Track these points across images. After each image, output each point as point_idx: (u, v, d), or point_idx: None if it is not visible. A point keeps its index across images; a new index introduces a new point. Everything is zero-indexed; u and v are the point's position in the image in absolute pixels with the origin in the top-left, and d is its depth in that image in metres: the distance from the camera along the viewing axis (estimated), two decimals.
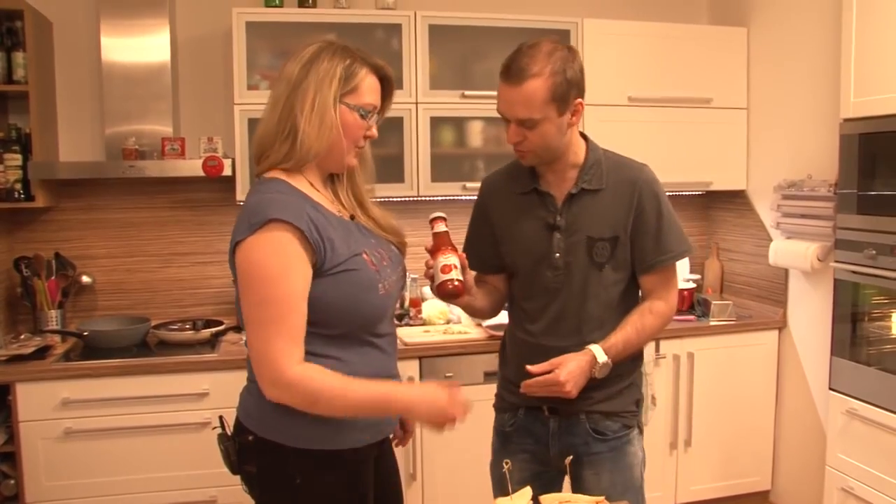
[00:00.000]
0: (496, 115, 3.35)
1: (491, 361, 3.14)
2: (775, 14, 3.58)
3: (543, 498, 1.66)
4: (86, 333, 3.02)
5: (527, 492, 1.64)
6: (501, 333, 3.12)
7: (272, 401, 1.59)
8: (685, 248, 2.04)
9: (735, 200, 3.85)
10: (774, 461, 3.64)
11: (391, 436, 1.89)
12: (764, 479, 3.63)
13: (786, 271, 3.52)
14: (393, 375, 1.78)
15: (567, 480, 2.07)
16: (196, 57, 3.42)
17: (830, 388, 3.02)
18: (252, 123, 3.12)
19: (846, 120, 2.90)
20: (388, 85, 1.76)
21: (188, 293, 3.47)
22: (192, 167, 3.06)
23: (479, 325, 3.32)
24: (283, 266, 1.55)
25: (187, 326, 3.22)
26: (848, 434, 2.94)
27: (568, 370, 1.88)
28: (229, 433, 1.76)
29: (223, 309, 3.45)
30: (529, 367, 1.91)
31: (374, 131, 1.73)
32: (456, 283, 1.86)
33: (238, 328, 3.23)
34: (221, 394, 2.84)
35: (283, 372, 1.54)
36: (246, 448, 1.70)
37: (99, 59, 3.15)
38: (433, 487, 3.16)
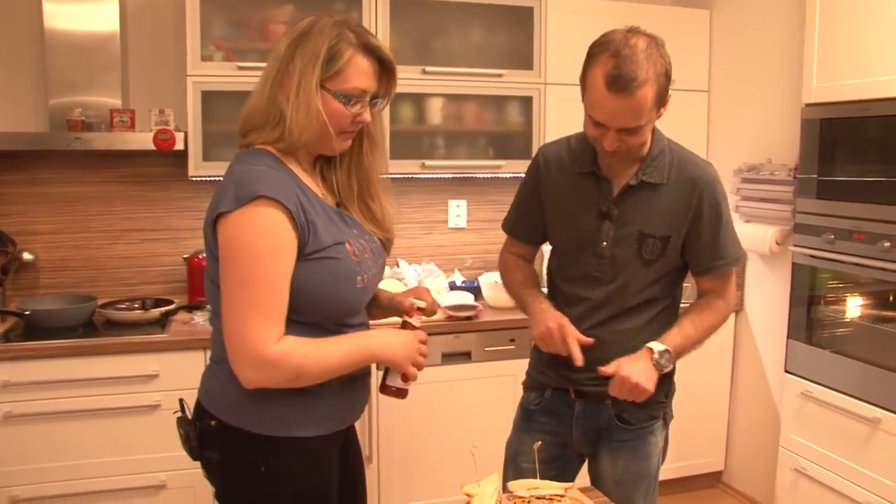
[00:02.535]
0: (457, 91, 3.39)
1: (449, 343, 3.13)
2: None
3: (512, 484, 1.64)
4: (27, 312, 2.88)
5: (493, 479, 1.62)
6: (462, 314, 3.13)
7: (251, 386, 1.52)
8: (740, 255, 2.03)
9: None
10: (728, 442, 3.68)
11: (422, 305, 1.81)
12: (717, 460, 3.68)
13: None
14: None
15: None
16: (146, 26, 3.27)
17: (786, 371, 3.05)
18: (206, 96, 3.01)
19: (808, 105, 2.90)
20: (386, 65, 1.65)
21: (137, 271, 3.34)
22: (142, 140, 2.94)
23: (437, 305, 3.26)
24: (270, 246, 1.49)
25: (136, 305, 3.10)
26: (802, 416, 2.97)
27: (636, 370, 1.83)
28: (189, 417, 1.68)
29: (173, 288, 3.33)
30: (602, 369, 1.85)
31: (367, 116, 1.63)
32: (405, 392, 1.76)
33: (189, 307, 3.13)
34: (172, 375, 2.75)
35: (264, 352, 1.48)
36: (208, 433, 1.63)
37: (41, 26, 2.98)
38: (389, 470, 3.11)
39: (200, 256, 3.18)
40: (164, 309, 3.04)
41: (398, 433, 3.08)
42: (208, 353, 2.75)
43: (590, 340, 1.90)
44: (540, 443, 1.71)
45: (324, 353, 1.55)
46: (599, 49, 1.77)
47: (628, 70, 1.70)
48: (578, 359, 1.86)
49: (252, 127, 1.62)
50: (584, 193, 1.96)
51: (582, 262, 1.97)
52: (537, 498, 1.59)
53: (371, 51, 1.60)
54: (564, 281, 2.04)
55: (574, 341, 1.88)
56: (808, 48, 2.89)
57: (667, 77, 1.77)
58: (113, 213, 3.30)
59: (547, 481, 1.66)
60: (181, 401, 1.72)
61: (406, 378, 1.72)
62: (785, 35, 3.26)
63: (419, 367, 1.71)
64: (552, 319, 1.90)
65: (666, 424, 2.10)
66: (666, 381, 2.05)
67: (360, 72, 1.58)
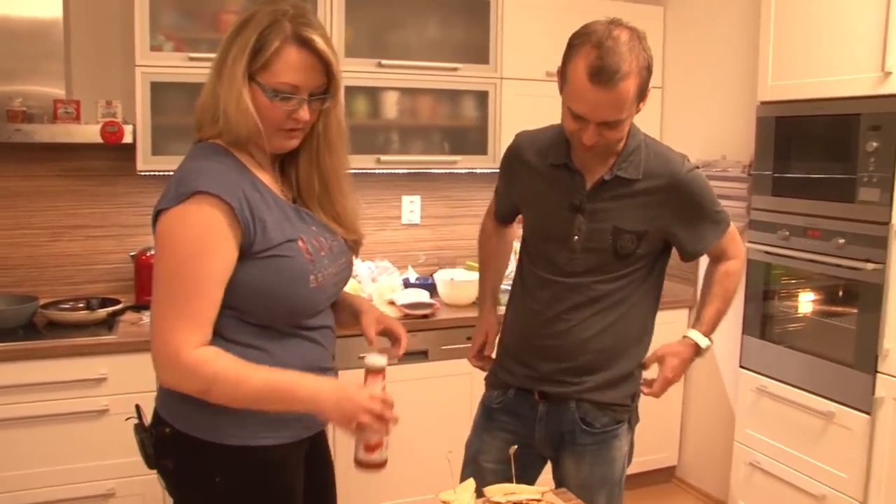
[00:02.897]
0: (412, 85, 3.34)
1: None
2: None
3: (488, 489, 1.61)
4: None
5: (469, 484, 1.58)
6: (418, 313, 3.09)
7: (165, 386, 1.48)
8: (725, 218, 2.03)
9: None
10: (682, 438, 3.71)
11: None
12: (671, 456, 3.71)
13: None
14: (325, 369, 1.64)
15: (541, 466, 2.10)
16: (91, 13, 3.12)
17: (740, 366, 3.09)
18: (155, 87, 2.90)
19: (763, 103, 2.94)
20: (324, 59, 1.50)
21: (81, 269, 3.20)
22: (88, 133, 2.80)
23: (392, 303, 3.22)
24: (201, 244, 1.42)
25: (80, 305, 2.97)
26: (756, 410, 3.01)
27: (673, 368, 1.96)
28: (146, 423, 1.61)
29: (120, 286, 3.20)
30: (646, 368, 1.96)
31: (304, 114, 1.50)
32: (375, 465, 1.60)
33: (137, 307, 3.02)
34: (121, 379, 2.64)
35: (178, 355, 1.40)
36: (163, 441, 1.56)
37: None
38: (348, 471, 3.04)
39: (149, 254, 3.07)
40: (110, 309, 2.92)
41: None
42: None
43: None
44: (516, 447, 1.67)
45: (241, 376, 1.44)
46: (581, 40, 1.73)
47: (611, 62, 1.67)
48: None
49: (204, 120, 1.55)
50: (556, 185, 1.93)
51: (552, 253, 1.94)
52: (514, 503, 1.56)
53: (306, 43, 1.47)
54: (535, 266, 2.00)
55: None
56: (763, 47, 2.92)
57: (648, 71, 1.76)
58: (55, 208, 3.15)
59: (523, 485, 1.63)
60: (137, 407, 1.65)
61: (369, 447, 1.55)
62: (739, 33, 3.30)
63: (361, 425, 1.49)
64: (479, 336, 2.18)
65: (631, 428, 2.08)
66: (631, 383, 2.03)
67: (290, 66, 1.47)
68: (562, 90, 1.80)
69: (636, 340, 2.02)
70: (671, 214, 1.90)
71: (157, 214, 1.46)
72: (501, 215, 2.20)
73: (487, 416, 2.10)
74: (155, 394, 1.61)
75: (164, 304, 1.43)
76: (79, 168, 3.16)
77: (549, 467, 2.11)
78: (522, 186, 2.03)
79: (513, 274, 2.15)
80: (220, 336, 1.48)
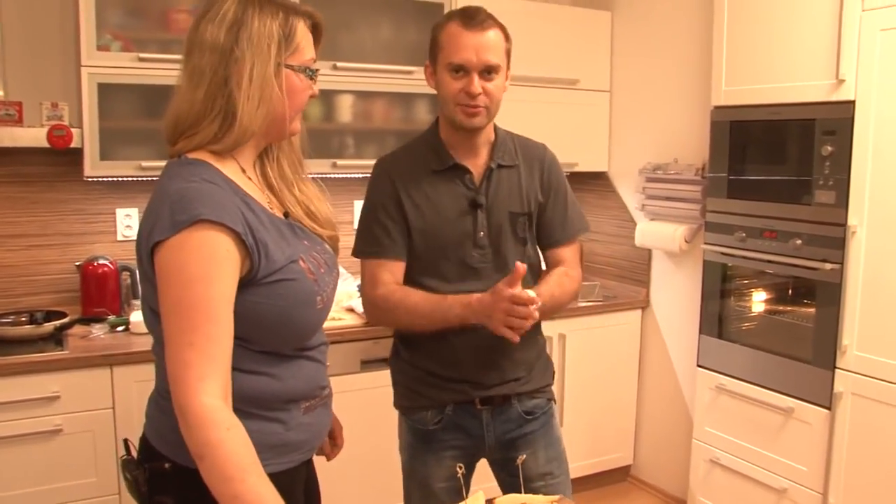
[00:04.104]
0: (367, 88, 3.28)
1: (368, 349, 3.02)
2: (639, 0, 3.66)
3: (499, 500, 1.57)
4: None
5: (479, 497, 1.55)
6: None
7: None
8: (585, 225, 2.12)
9: (597, 182, 3.91)
10: (636, 437, 3.77)
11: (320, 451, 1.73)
12: (626, 455, 3.76)
13: (649, 252, 3.63)
14: (323, 386, 1.58)
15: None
16: (25, 8, 2.95)
17: (698, 365, 3.15)
18: (103, 89, 2.76)
19: (717, 107, 3.01)
20: (318, 32, 1.55)
21: (21, 281, 3.00)
22: (33, 136, 2.65)
23: (352, 310, 3.16)
24: (206, 268, 1.30)
25: (23, 319, 2.79)
26: (715, 408, 3.08)
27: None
28: (136, 458, 1.50)
29: (63, 298, 3.03)
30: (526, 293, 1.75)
31: (316, 88, 1.53)
32: None
33: (86, 320, 2.86)
34: (74, 396, 2.50)
35: (189, 400, 1.26)
36: (160, 476, 1.44)
37: None
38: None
39: (96, 263, 2.91)
40: (57, 322, 2.76)
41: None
42: (114, 370, 2.57)
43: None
44: (462, 468, 1.59)
45: (234, 449, 1.26)
46: (445, 18, 1.93)
47: (478, 11, 1.88)
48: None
49: (182, 132, 1.43)
50: (447, 189, 1.96)
51: (461, 257, 1.95)
52: None
53: (310, 17, 1.51)
54: (443, 281, 1.95)
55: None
56: (716, 52, 2.99)
57: (510, 42, 1.92)
58: None
59: (534, 495, 1.61)
60: (126, 441, 1.53)
61: None
62: (688, 38, 3.37)
63: None
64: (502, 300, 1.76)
65: (555, 403, 2.14)
66: (549, 362, 2.13)
67: (309, 42, 1.49)
68: (437, 59, 1.92)
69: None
70: (546, 194, 2.03)
71: (154, 247, 1.33)
72: (402, 254, 1.97)
73: (424, 438, 2.03)
74: (111, 412, 1.48)
75: (175, 338, 1.30)
76: (17, 174, 2.96)
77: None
78: (414, 201, 1.95)
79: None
80: None
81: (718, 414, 3.07)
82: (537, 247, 2.08)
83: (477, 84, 1.85)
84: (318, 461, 1.71)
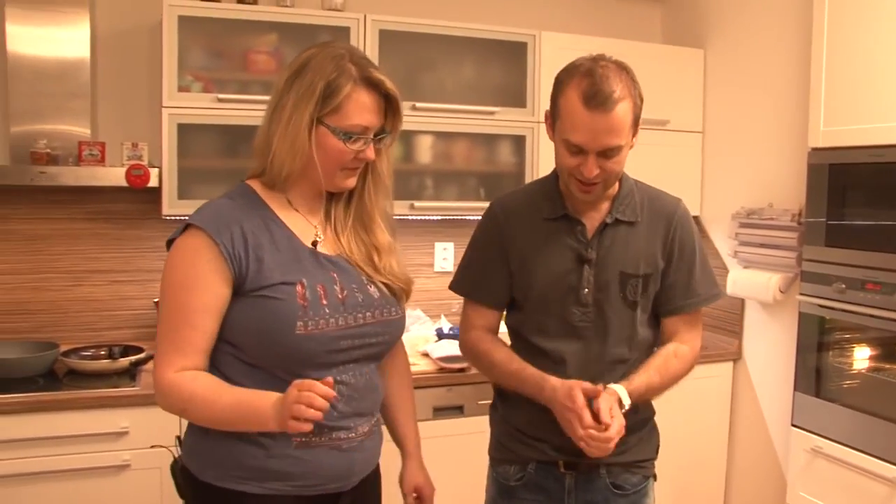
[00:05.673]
0: (447, 129, 3.24)
1: (440, 396, 2.95)
2: (733, 37, 3.50)
3: None
4: None
5: None
6: (454, 366, 2.95)
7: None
8: (716, 292, 1.91)
9: None
10: (726, 497, 3.53)
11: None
12: None
13: (742, 301, 3.42)
14: (334, 428, 1.55)
15: None
16: (118, 53, 3.07)
17: (793, 425, 2.92)
18: (182, 129, 2.82)
19: (815, 149, 2.81)
20: (390, 102, 1.58)
21: (103, 315, 3.09)
22: (113, 176, 2.73)
23: (427, 355, 3.09)
24: (186, 276, 1.47)
25: (102, 353, 2.84)
26: (811, 472, 2.84)
27: (617, 429, 1.65)
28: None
29: (143, 333, 3.09)
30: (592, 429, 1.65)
31: (370, 153, 1.57)
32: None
33: None
34: (143, 432, 2.52)
35: (160, 378, 1.48)
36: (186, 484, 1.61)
37: (4, 50, 2.77)
38: None
39: None
40: (133, 358, 2.79)
41: (389, 492, 2.87)
42: None
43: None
44: None
45: (211, 395, 1.47)
46: (569, 74, 1.72)
47: (605, 86, 1.65)
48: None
49: (256, 162, 1.61)
50: (556, 239, 1.84)
51: (563, 313, 1.82)
52: None
53: (374, 85, 1.54)
54: (542, 338, 1.85)
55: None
56: (814, 92, 2.80)
57: (640, 99, 1.75)
58: (77, 252, 3.06)
59: None
60: (178, 438, 1.67)
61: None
62: (784, 76, 3.19)
63: (295, 424, 1.36)
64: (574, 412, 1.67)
65: (655, 479, 1.98)
66: (654, 433, 1.97)
67: (361, 107, 1.53)
68: (553, 128, 1.77)
69: None
70: (671, 255, 1.85)
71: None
72: (497, 301, 1.92)
73: (506, 494, 1.93)
74: (179, 450, 1.63)
75: (159, 333, 1.51)
76: (102, 211, 3.08)
77: None
78: (519, 248, 1.87)
79: None
80: (218, 370, 1.52)
81: (814, 478, 2.82)
82: (655, 314, 1.89)
83: (593, 164, 1.69)
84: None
